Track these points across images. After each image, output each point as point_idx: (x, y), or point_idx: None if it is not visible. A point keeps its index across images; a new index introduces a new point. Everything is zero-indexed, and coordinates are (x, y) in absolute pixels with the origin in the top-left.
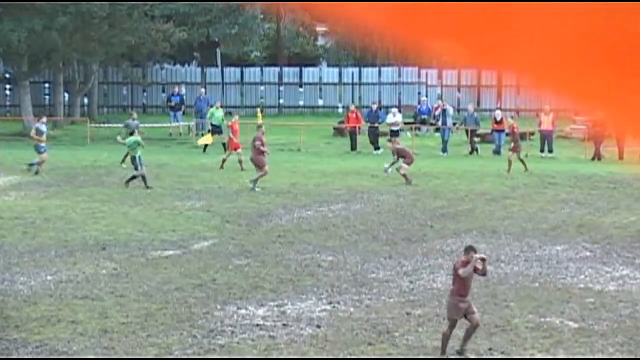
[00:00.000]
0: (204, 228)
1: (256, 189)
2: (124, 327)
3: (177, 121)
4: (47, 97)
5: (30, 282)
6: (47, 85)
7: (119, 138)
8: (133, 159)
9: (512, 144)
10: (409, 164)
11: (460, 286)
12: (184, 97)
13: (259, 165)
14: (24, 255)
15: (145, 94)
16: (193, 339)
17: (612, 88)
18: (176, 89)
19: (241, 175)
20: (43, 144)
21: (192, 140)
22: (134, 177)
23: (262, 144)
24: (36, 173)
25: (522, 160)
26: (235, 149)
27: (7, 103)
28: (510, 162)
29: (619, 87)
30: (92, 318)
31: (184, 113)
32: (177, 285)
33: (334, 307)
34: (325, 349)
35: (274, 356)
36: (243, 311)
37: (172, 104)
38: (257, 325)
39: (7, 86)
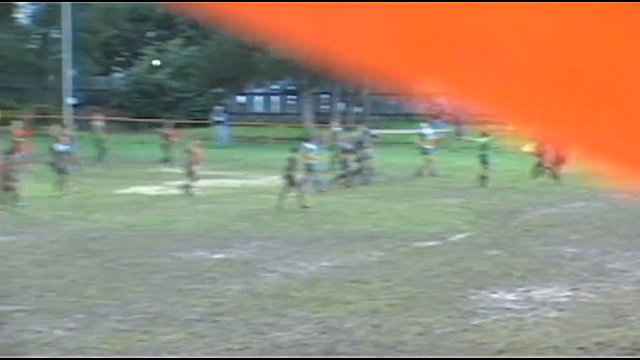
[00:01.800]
0: (460, 222)
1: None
2: (390, 308)
3: (438, 129)
4: (325, 106)
5: (309, 267)
6: (325, 95)
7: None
8: (483, 157)
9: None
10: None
11: None
12: (445, 106)
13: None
14: (304, 244)
15: (410, 103)
16: (451, 319)
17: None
18: (438, 99)
19: (491, 176)
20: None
21: (449, 146)
22: (484, 177)
23: None
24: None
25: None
26: None
27: (291, 112)
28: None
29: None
30: (362, 299)
31: (445, 122)
32: (436, 272)
33: (575, 293)
34: (568, 330)
35: (520, 338)
36: (495, 295)
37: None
38: (507, 308)
39: (291, 97)
